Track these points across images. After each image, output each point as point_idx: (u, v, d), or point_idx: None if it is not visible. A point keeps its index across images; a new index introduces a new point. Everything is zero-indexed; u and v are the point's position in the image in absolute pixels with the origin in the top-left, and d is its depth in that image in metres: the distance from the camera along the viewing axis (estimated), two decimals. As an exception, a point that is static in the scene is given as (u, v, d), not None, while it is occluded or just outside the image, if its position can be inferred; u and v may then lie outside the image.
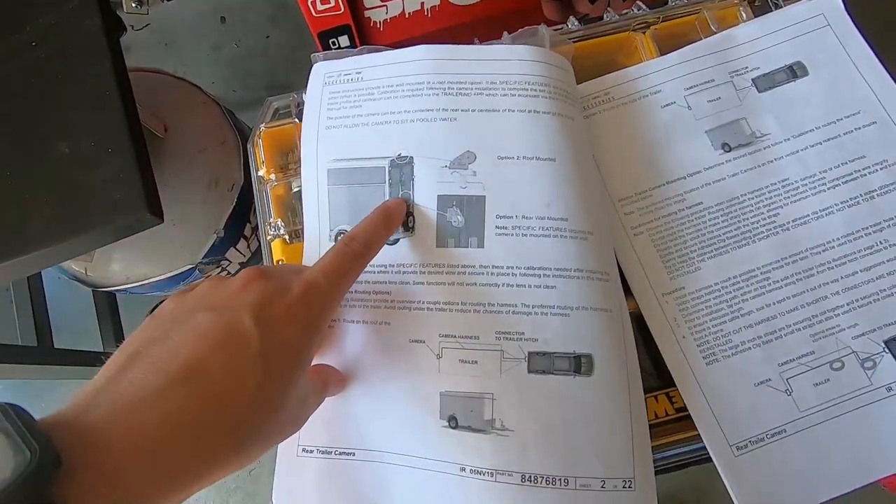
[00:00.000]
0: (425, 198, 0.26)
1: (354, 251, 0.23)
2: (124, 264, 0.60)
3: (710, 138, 0.30)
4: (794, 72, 0.30)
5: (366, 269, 0.26)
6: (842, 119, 0.29)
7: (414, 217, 0.26)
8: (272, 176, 0.30)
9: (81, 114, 0.38)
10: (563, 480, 0.22)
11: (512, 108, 0.26)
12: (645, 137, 0.30)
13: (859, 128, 0.29)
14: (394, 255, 0.26)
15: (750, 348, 0.26)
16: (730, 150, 0.29)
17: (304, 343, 0.20)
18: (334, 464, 0.25)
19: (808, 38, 0.31)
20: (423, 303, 0.25)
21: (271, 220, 0.30)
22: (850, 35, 0.30)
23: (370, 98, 0.28)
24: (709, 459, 0.25)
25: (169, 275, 0.59)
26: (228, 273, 0.68)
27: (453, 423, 0.23)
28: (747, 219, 0.28)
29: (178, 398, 0.17)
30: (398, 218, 0.25)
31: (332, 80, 0.29)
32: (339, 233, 0.27)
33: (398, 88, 0.27)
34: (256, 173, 0.31)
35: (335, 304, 0.22)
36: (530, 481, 0.22)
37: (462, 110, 0.26)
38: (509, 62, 0.27)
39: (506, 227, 0.25)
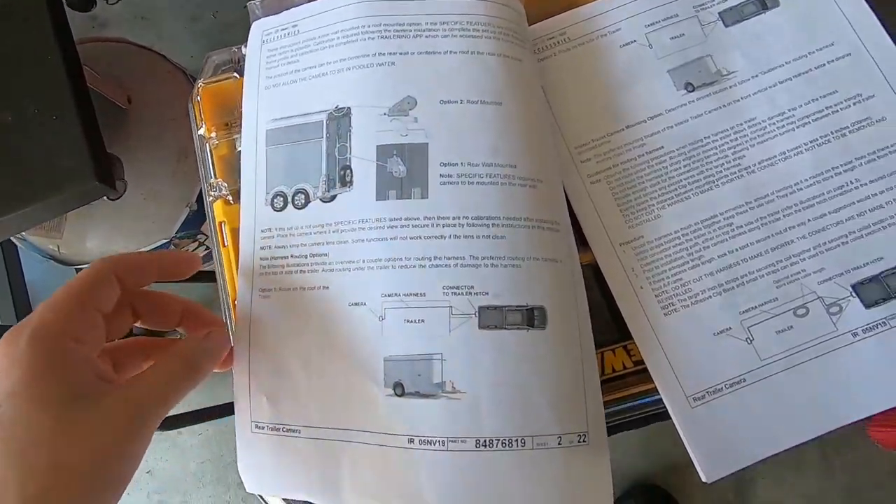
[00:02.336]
0: (364, 149, 0.24)
1: (88, 278, 0.21)
2: (99, 241, 0.59)
3: (672, 78, 0.28)
4: (764, 2, 0.28)
5: (302, 231, 0.25)
6: (814, 52, 0.27)
7: (352, 170, 0.24)
8: (213, 134, 0.29)
9: (24, 80, 0.36)
10: (519, 441, 0.22)
11: (454, 50, 0.24)
12: (603, 80, 0.28)
13: (832, 61, 0.27)
14: (331, 212, 0.24)
15: (710, 297, 0.25)
16: (693, 89, 0.28)
17: (23, 418, 0.18)
18: (283, 440, 0.24)
19: (780, -36, 0.28)
20: (364, 262, 0.23)
21: (212, 180, 0.28)
22: (825, -41, 0.28)
23: (307, 51, 0.26)
24: (667, 414, 0.25)
25: (143, 249, 0.58)
26: (207, 248, 0.67)
27: (399, 390, 0.22)
28: (711, 162, 0.27)
29: None
30: (171, 261, 0.24)
31: (269, 37, 0.27)
32: (277, 194, 0.26)
33: (333, 37, 0.25)
34: (197, 132, 0.29)
35: (65, 342, 0.19)
36: (485, 446, 0.22)
37: (401, 54, 0.24)
38: (451, 2, 0.25)
39: (451, 176, 0.23)
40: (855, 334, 0.24)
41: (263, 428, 0.24)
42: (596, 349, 0.26)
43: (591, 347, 0.24)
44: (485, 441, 0.21)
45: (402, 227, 0.23)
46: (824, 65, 0.27)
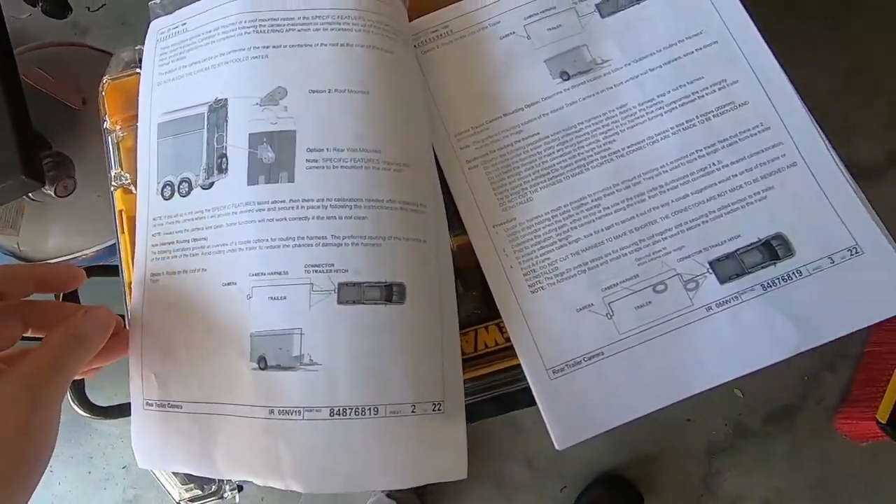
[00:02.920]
0: (238, 137, 0.26)
1: None
2: (57, 238, 0.61)
3: (548, 67, 0.29)
4: (639, -6, 0.29)
5: (185, 217, 0.26)
6: (683, 40, 0.28)
7: (227, 158, 0.26)
8: (118, 127, 0.30)
9: (-44, 80, 0.38)
10: (372, 409, 0.23)
11: (324, 42, 0.26)
12: (483, 70, 0.29)
13: (700, 48, 0.28)
14: (210, 198, 0.26)
15: (575, 275, 0.26)
16: (568, 78, 0.29)
17: None
18: (168, 416, 0.25)
19: (654, -42, 0.29)
20: (235, 244, 0.25)
21: (115, 170, 0.30)
22: (697, -49, 0.29)
23: (193, 47, 0.28)
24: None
25: (100, 247, 0.59)
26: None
27: (262, 364, 0.24)
28: (583, 147, 0.28)
29: None
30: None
31: (163, 35, 0.29)
32: (166, 184, 0.27)
33: (215, 33, 0.27)
34: (103, 125, 0.31)
35: None
36: (339, 414, 0.23)
37: (274, 47, 0.26)
38: None
39: (316, 160, 0.25)
40: (709, 308, 0.25)
41: (153, 405, 0.26)
42: (470, 326, 0.27)
43: (453, 323, 0.25)
44: (339, 410, 0.23)
45: (269, 209, 0.24)
46: (692, 52, 0.28)
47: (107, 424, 0.98)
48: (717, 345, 0.25)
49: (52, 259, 0.64)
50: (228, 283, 0.25)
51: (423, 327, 0.24)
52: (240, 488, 0.28)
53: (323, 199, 0.24)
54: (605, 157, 0.28)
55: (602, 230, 0.27)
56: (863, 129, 0.93)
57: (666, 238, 0.26)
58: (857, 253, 0.25)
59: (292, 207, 0.24)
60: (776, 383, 0.90)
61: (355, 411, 0.23)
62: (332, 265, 0.24)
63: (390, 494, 0.78)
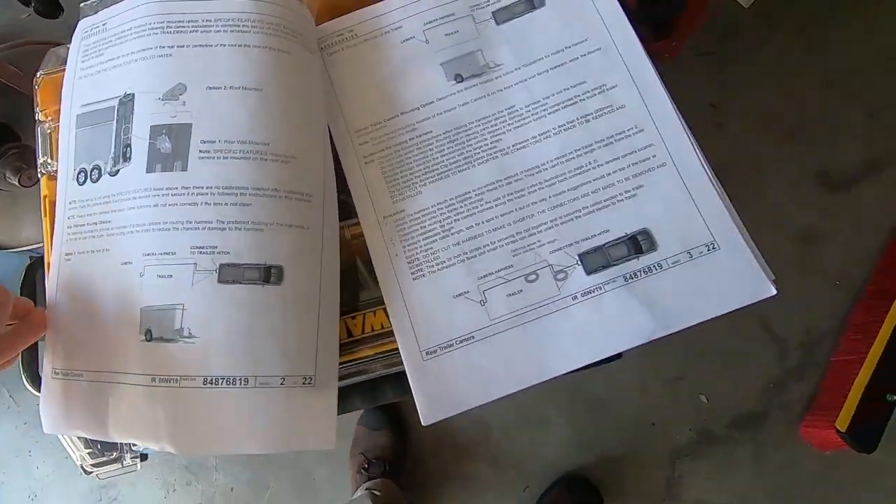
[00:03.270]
0: (141, 129, 0.28)
1: None
2: (32, 228, 0.63)
3: (444, 70, 0.31)
4: (533, 3, 0.31)
5: (95, 202, 0.28)
6: (570, 46, 0.30)
7: (131, 147, 0.28)
8: (48, 119, 0.33)
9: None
10: (242, 380, 0.25)
11: (224, 43, 0.28)
12: (383, 72, 0.31)
13: (585, 54, 0.30)
14: (115, 184, 0.28)
15: (455, 264, 0.28)
16: (462, 80, 0.31)
17: None
18: (70, 384, 0.27)
19: (549, -31, 0.31)
20: (133, 226, 0.27)
21: (42, 159, 0.32)
22: (588, -36, 0.31)
23: (109, 45, 0.30)
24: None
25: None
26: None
27: (149, 336, 0.26)
28: (471, 145, 0.30)
29: None
30: None
31: (86, 34, 0.31)
32: (80, 170, 0.29)
33: (128, 32, 0.29)
34: (36, 116, 0.33)
35: None
36: (211, 383, 0.25)
37: (178, 46, 0.28)
38: (227, 1, 0.29)
39: (209, 152, 0.27)
40: (574, 297, 0.27)
41: (59, 374, 0.28)
42: (358, 310, 0.29)
43: (333, 305, 0.27)
44: (212, 379, 0.25)
45: (163, 195, 0.26)
46: (578, 58, 0.30)
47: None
48: (579, 331, 0.26)
49: (25, 248, 0.66)
50: (126, 263, 0.27)
51: (299, 307, 0.26)
52: (143, 457, 0.30)
53: (212, 187, 0.26)
54: (490, 154, 0.29)
55: (482, 223, 0.28)
56: (842, 135, 0.94)
57: (541, 231, 0.28)
58: (713, 248, 0.27)
59: (184, 194, 0.26)
60: (742, 390, 0.91)
61: (226, 381, 0.25)
62: (216, 247, 0.26)
63: (370, 489, 0.79)
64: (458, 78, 0.31)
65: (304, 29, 0.30)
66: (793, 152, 0.95)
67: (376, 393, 0.32)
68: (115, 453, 0.29)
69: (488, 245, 0.28)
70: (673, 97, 0.29)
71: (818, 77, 0.98)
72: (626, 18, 0.30)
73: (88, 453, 0.28)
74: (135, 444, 0.27)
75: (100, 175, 0.28)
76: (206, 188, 0.26)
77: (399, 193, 0.29)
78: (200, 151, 0.27)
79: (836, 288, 0.89)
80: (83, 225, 0.29)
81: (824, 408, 0.86)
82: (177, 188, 0.26)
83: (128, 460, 0.29)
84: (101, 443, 0.29)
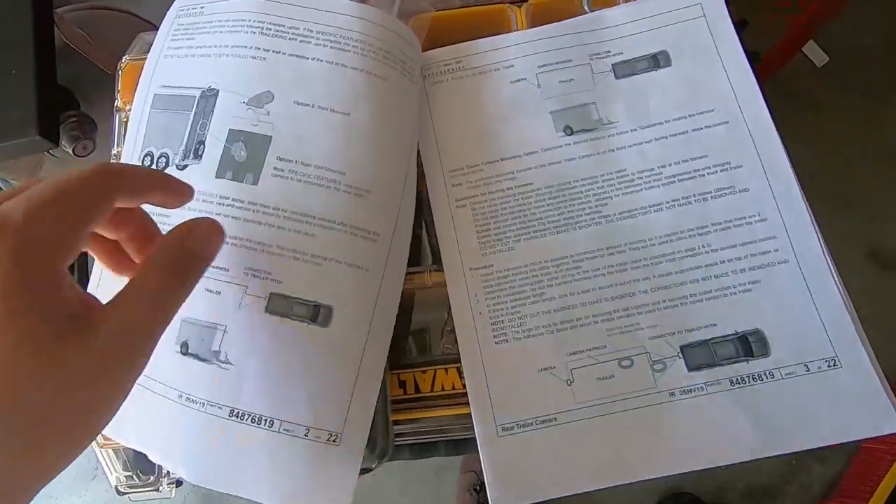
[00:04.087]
0: (219, 129, 0.26)
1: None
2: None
3: (553, 119, 0.29)
4: (658, 61, 0.29)
5: None
6: (694, 115, 0.28)
7: (205, 145, 0.26)
8: (127, 107, 0.31)
9: (-5, 36, 0.39)
10: (268, 421, 0.23)
11: (320, 58, 0.26)
12: (487, 111, 0.29)
13: (710, 126, 0.28)
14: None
15: (542, 334, 0.26)
16: (572, 133, 0.28)
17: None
18: None
19: (680, 27, 0.29)
20: None
21: (115, 150, 0.30)
22: (724, 28, 0.29)
23: (203, 31, 0.28)
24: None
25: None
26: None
27: (184, 349, 0.24)
28: (574, 205, 0.27)
29: None
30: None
31: (182, 13, 0.29)
32: (146, 154, 0.27)
33: (224, 24, 0.27)
34: (115, 102, 0.32)
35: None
36: (237, 417, 0.23)
37: (273, 51, 0.26)
38: (331, 14, 0.27)
39: (283, 170, 0.25)
40: (672, 394, 0.24)
41: None
42: (444, 364, 0.26)
43: (379, 357, 0.25)
44: (238, 413, 0.23)
45: (227, 205, 0.25)
46: (701, 129, 0.28)
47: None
48: (672, 434, 0.24)
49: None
50: None
51: (341, 355, 0.24)
52: (178, 483, 0.28)
53: (279, 209, 0.24)
54: (594, 219, 0.27)
55: (578, 293, 0.26)
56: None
57: (641, 313, 0.26)
58: (834, 365, 0.24)
59: (249, 209, 0.25)
60: (762, 462, 0.87)
61: (252, 419, 0.23)
62: (270, 274, 0.24)
63: None
64: (568, 130, 0.28)
65: (407, 55, 0.28)
66: (843, 223, 0.92)
67: (427, 448, 0.30)
68: (151, 477, 0.27)
69: (581, 319, 0.26)
70: (804, 187, 0.26)
71: (875, 150, 0.95)
72: (760, 93, 0.28)
73: (126, 476, 0.26)
74: (169, 472, 0.25)
75: (167, 164, 0.27)
76: (273, 209, 0.24)
77: (490, 246, 0.27)
78: (275, 168, 0.25)
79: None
80: None
81: (848, 494, 0.82)
82: (244, 202, 0.25)
83: (164, 487, 0.27)
84: (141, 468, 0.27)
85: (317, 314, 0.23)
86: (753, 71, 0.28)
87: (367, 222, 0.25)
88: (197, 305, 0.24)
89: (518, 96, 0.29)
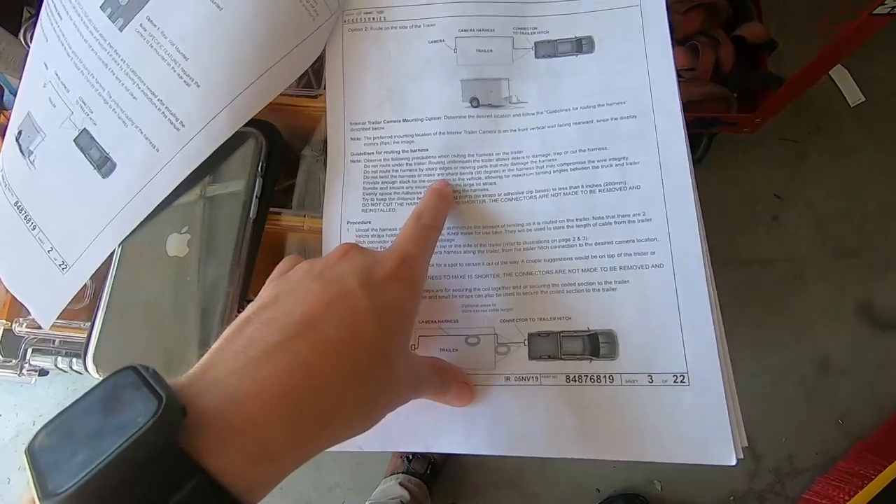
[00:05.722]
0: None
1: (424, 225, 0.23)
2: None
3: (462, 88, 0.28)
4: (581, 45, 0.28)
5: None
6: (603, 105, 0.27)
7: None
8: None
9: None
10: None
11: None
12: (400, 68, 0.28)
13: (616, 118, 0.26)
14: None
15: (400, 299, 0.26)
16: (478, 105, 0.28)
17: (409, 300, 0.21)
18: None
19: (612, 13, 0.28)
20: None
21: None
22: (657, 21, 0.27)
23: None
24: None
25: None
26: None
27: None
28: (463, 179, 0.27)
29: (295, 350, 0.17)
30: (449, 196, 0.26)
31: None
32: None
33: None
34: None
35: (425, 267, 0.23)
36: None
37: None
38: None
39: (145, 30, 0.26)
40: (507, 378, 0.24)
41: None
42: None
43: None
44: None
45: (95, 37, 0.27)
46: (607, 120, 0.27)
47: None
48: (495, 417, 0.24)
49: None
50: None
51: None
52: (43, 373, 0.29)
53: (124, 62, 0.26)
54: (478, 196, 0.27)
55: (444, 265, 0.26)
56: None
57: (500, 295, 0.25)
58: (682, 382, 0.23)
59: (106, 49, 0.27)
60: (703, 490, 0.86)
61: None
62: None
63: (402, 484, 0.76)
64: (475, 102, 0.28)
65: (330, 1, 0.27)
66: (842, 272, 0.88)
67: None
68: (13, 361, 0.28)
69: (441, 291, 0.26)
70: (699, 196, 0.25)
71: (893, 204, 0.89)
72: (677, 93, 0.26)
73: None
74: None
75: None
76: (121, 59, 0.26)
77: (373, 204, 0.27)
78: (140, 26, 0.26)
79: (837, 426, 0.82)
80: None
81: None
82: (106, 40, 0.27)
83: (25, 373, 0.28)
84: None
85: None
86: (677, 74, 0.26)
87: (180, 108, 0.25)
88: None
89: (433, 58, 0.28)
